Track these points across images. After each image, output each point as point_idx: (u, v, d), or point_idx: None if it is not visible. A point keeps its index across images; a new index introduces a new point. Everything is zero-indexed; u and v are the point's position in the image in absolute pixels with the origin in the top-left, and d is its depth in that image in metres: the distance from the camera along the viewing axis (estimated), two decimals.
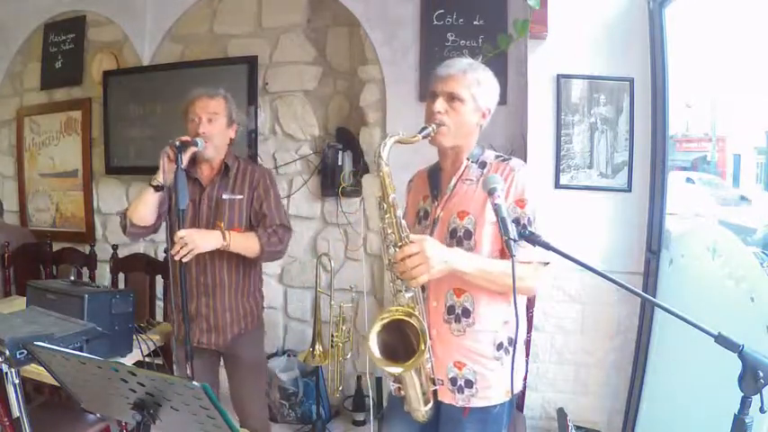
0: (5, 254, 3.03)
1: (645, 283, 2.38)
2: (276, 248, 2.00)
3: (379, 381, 2.95)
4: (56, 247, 3.33)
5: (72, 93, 3.72)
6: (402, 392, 1.47)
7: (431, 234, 1.45)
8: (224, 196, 2.00)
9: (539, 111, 2.48)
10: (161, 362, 2.31)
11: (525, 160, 1.91)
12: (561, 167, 2.46)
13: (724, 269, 1.90)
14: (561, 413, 2.34)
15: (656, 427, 2.24)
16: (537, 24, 2.32)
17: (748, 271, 1.78)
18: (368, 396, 2.94)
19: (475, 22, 2.78)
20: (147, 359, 2.06)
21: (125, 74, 3.47)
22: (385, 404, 2.00)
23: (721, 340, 1.01)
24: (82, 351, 1.68)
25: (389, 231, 1.35)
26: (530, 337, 2.15)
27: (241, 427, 2.05)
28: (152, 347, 2.13)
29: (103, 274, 3.20)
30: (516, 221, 1.35)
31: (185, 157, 1.87)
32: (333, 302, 2.79)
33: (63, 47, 3.70)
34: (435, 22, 2.81)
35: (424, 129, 1.41)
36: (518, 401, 2.17)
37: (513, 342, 1.39)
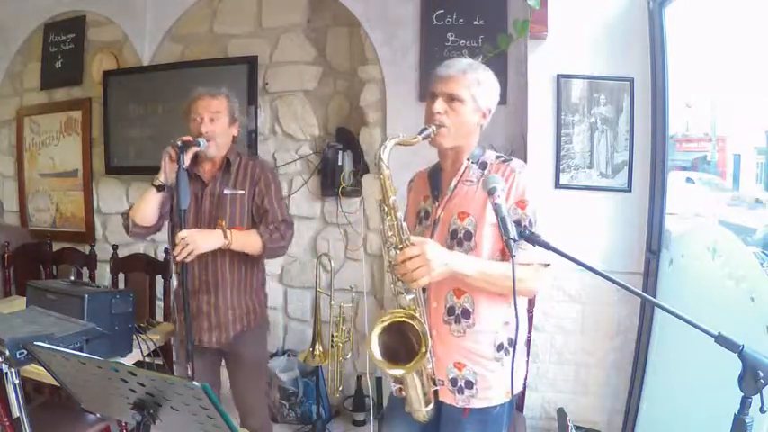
0: (5, 254, 3.04)
1: (645, 283, 2.38)
2: (278, 245, 2.01)
3: (379, 381, 2.95)
4: (56, 247, 3.34)
5: (72, 93, 3.72)
6: (403, 393, 1.48)
7: (431, 235, 1.46)
8: (225, 191, 2.00)
9: (539, 111, 2.48)
10: (161, 362, 2.31)
11: (525, 160, 1.91)
12: (561, 167, 2.46)
13: (724, 269, 1.90)
14: (561, 413, 2.34)
15: (656, 427, 2.24)
16: (537, 24, 2.32)
17: (748, 271, 1.78)
18: (368, 396, 2.95)
19: (475, 22, 2.78)
20: (147, 359, 2.05)
21: (125, 74, 3.47)
22: (385, 404, 1.99)
23: (721, 340, 1.01)
24: (82, 351, 1.68)
25: (390, 234, 1.34)
26: (530, 337, 2.15)
27: (242, 426, 2.05)
28: (152, 347, 2.13)
29: (103, 274, 3.20)
30: (517, 223, 1.35)
31: (187, 157, 1.88)
32: (333, 302, 2.79)
33: (63, 47, 3.70)
34: (435, 22, 2.81)
35: (423, 130, 1.40)
36: (518, 402, 2.17)
37: (513, 343, 1.39)
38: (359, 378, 2.99)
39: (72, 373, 1.13)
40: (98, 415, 1.96)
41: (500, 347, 1.45)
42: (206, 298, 2.02)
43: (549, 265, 1.39)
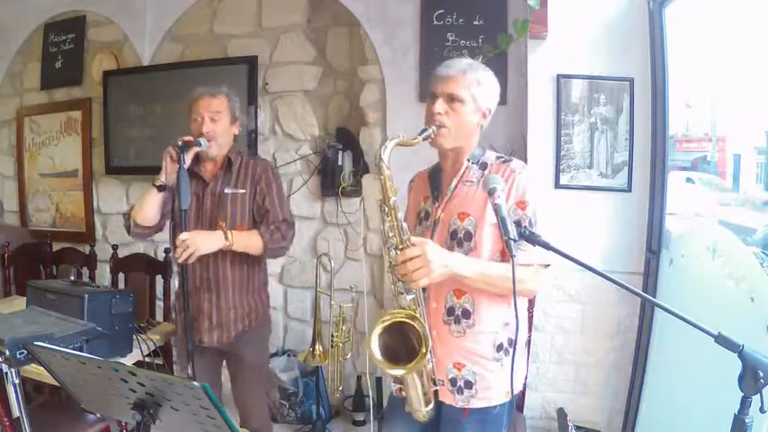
0: (5, 254, 3.04)
1: (645, 283, 2.38)
2: (279, 245, 2.00)
3: (379, 381, 2.95)
4: (56, 247, 3.34)
5: (72, 93, 3.72)
6: (403, 393, 1.48)
7: (431, 235, 1.46)
8: (226, 191, 2.00)
9: (539, 111, 2.48)
10: (161, 362, 2.31)
11: (525, 160, 1.91)
12: (561, 167, 2.46)
13: (724, 269, 1.90)
14: (561, 413, 2.34)
15: (656, 427, 2.24)
16: (537, 24, 2.32)
17: (748, 271, 1.78)
18: (368, 396, 2.95)
19: (475, 22, 2.78)
20: (147, 359, 2.05)
21: (125, 74, 3.48)
22: (385, 404, 1.99)
23: (721, 340, 1.01)
24: (82, 351, 1.68)
25: (391, 234, 1.34)
26: (530, 337, 2.15)
27: (242, 426, 2.05)
28: (152, 347, 2.13)
29: (103, 274, 3.21)
30: (517, 223, 1.35)
31: (188, 157, 1.88)
32: (333, 302, 2.79)
33: (63, 47, 3.70)
34: (435, 22, 2.81)
35: (424, 130, 1.40)
36: (518, 402, 2.17)
37: (512, 343, 1.40)
38: (359, 378, 2.99)
39: (72, 373, 1.13)
40: (98, 415, 1.96)
41: (500, 348, 1.45)
42: (207, 296, 2.01)
43: (548, 265, 1.39)
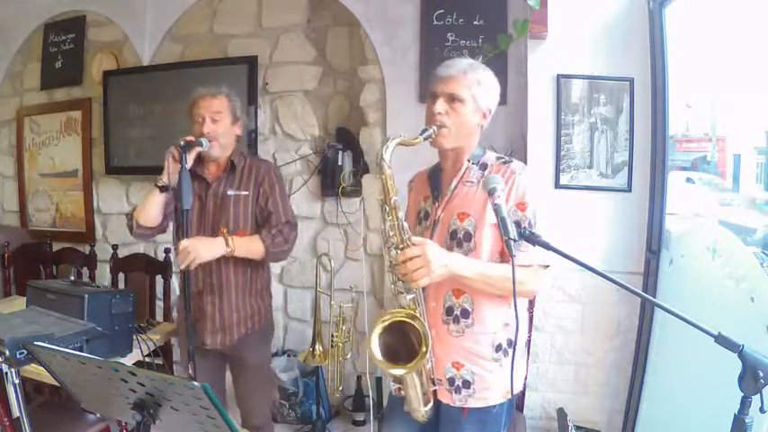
0: (5, 254, 3.04)
1: (645, 283, 2.38)
2: (282, 248, 2.00)
3: (379, 381, 2.95)
4: (56, 247, 3.34)
5: (72, 93, 3.72)
6: (402, 393, 1.48)
7: (431, 235, 1.46)
8: (229, 192, 1.99)
9: (539, 111, 2.48)
10: (161, 362, 2.31)
11: (525, 160, 1.91)
12: (561, 167, 2.46)
13: (724, 269, 1.90)
14: (561, 413, 2.34)
15: (656, 427, 2.24)
16: (537, 24, 2.32)
17: (748, 271, 1.78)
18: (368, 396, 2.95)
19: (475, 22, 2.78)
20: (147, 359, 2.05)
21: (125, 74, 3.47)
22: (385, 404, 1.99)
23: (721, 340, 1.01)
24: (82, 351, 1.68)
25: (391, 233, 1.35)
26: (530, 337, 2.15)
27: (243, 426, 2.05)
28: (152, 347, 2.13)
29: (103, 274, 3.21)
30: (517, 224, 1.35)
31: (190, 158, 1.87)
32: (333, 302, 2.79)
33: (63, 47, 3.70)
34: (435, 22, 2.81)
35: (425, 130, 1.40)
36: (518, 401, 2.17)
37: (511, 344, 1.40)
38: (359, 378, 2.99)
39: (72, 373, 1.13)
40: (98, 415, 1.96)
41: (498, 348, 1.45)
42: (210, 299, 2.01)
43: (548, 266, 1.39)
